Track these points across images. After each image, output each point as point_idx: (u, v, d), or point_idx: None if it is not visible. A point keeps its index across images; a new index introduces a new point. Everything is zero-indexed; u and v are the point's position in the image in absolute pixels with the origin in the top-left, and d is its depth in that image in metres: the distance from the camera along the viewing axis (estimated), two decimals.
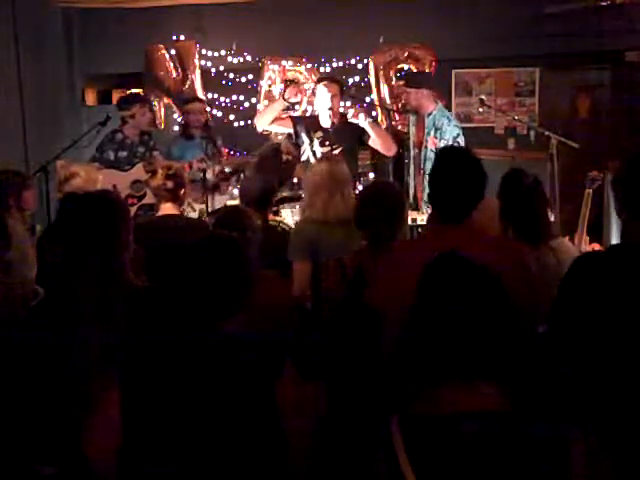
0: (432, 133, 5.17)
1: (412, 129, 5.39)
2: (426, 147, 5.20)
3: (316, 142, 5.05)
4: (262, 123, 5.30)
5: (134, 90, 7.45)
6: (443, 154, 2.75)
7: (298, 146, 5.22)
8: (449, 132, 5.11)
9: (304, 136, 5.12)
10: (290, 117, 5.29)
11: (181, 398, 1.89)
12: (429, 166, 5.05)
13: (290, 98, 5.19)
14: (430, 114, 5.21)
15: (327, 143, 5.00)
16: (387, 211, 2.97)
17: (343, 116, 5.25)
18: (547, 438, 1.43)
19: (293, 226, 5.40)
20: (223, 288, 1.98)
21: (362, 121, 4.99)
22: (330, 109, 5.03)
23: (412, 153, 5.35)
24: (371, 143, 5.09)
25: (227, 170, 5.83)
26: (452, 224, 2.50)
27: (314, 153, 5.04)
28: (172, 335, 1.99)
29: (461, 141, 5.11)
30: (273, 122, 5.24)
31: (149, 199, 5.56)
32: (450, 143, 5.04)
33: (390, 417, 1.49)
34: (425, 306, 1.55)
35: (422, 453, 1.43)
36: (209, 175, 5.63)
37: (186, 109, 5.89)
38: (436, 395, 1.50)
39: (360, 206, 3.06)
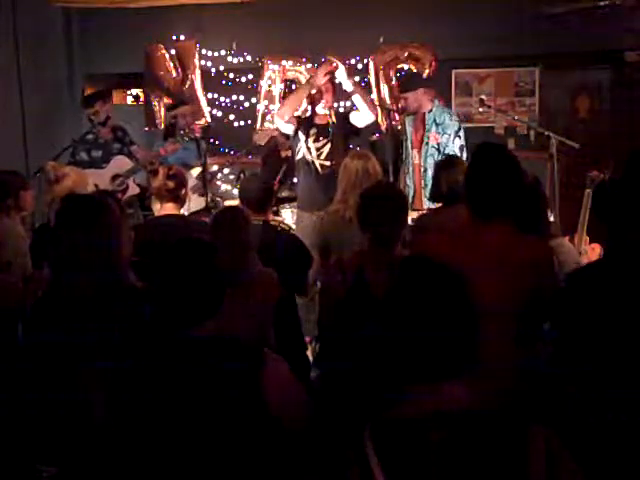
0: (433, 129, 5.23)
1: (409, 130, 5.42)
2: (427, 144, 5.24)
3: (310, 138, 5.11)
4: (287, 111, 5.18)
5: (134, 90, 7.46)
6: (481, 150, 2.75)
7: (291, 147, 5.27)
8: (451, 127, 5.20)
9: (300, 134, 5.17)
10: (296, 117, 5.30)
11: (164, 403, 1.88)
12: (431, 162, 5.12)
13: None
14: (430, 111, 5.26)
15: (320, 138, 5.10)
16: (391, 212, 2.97)
17: (341, 115, 5.32)
18: (507, 436, 1.45)
19: (293, 226, 5.42)
20: (194, 292, 1.97)
21: (344, 80, 5.10)
22: (330, 108, 5.14)
23: (411, 154, 5.38)
24: (353, 118, 5.15)
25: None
26: (486, 220, 2.51)
27: (309, 149, 5.10)
28: (151, 338, 1.99)
29: (462, 135, 5.21)
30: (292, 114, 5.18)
31: (132, 191, 5.56)
32: (452, 137, 5.16)
33: (364, 423, 1.50)
34: (390, 309, 1.57)
35: (390, 455, 1.44)
36: (192, 178, 5.65)
37: (175, 112, 5.90)
38: (403, 398, 1.51)
39: (364, 207, 3.05)
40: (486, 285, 2.34)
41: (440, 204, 3.99)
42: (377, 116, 5.37)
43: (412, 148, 5.37)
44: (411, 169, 5.37)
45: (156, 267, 2.02)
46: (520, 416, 1.56)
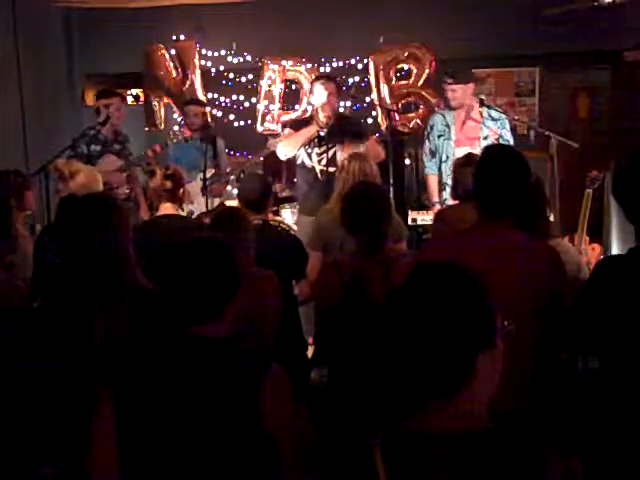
0: (490, 124, 5.24)
1: (453, 128, 5.30)
2: (486, 138, 5.18)
3: (312, 144, 5.02)
4: (289, 150, 5.06)
5: (134, 90, 7.45)
6: (490, 150, 2.75)
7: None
8: (506, 121, 5.29)
9: None
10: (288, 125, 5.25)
11: (166, 406, 1.86)
12: None
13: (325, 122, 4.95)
14: (481, 106, 5.28)
15: (322, 143, 4.97)
16: (380, 213, 2.97)
17: (339, 116, 5.22)
18: (523, 457, 1.37)
19: (294, 226, 5.41)
20: (204, 291, 1.94)
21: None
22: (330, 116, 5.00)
23: (454, 152, 5.23)
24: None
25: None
26: (495, 219, 2.51)
27: (309, 155, 5.02)
28: (149, 339, 1.98)
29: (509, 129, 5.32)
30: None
31: (124, 191, 5.54)
32: (507, 131, 5.23)
33: (373, 435, 1.43)
34: (398, 318, 1.43)
35: (401, 473, 1.37)
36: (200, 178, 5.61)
37: (183, 111, 5.91)
38: (416, 413, 1.42)
39: (350, 211, 3.04)
40: (496, 287, 2.33)
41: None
42: (384, 155, 5.23)
43: (456, 146, 5.26)
44: (450, 164, 5.11)
45: (169, 264, 1.99)
46: (535, 434, 1.44)
